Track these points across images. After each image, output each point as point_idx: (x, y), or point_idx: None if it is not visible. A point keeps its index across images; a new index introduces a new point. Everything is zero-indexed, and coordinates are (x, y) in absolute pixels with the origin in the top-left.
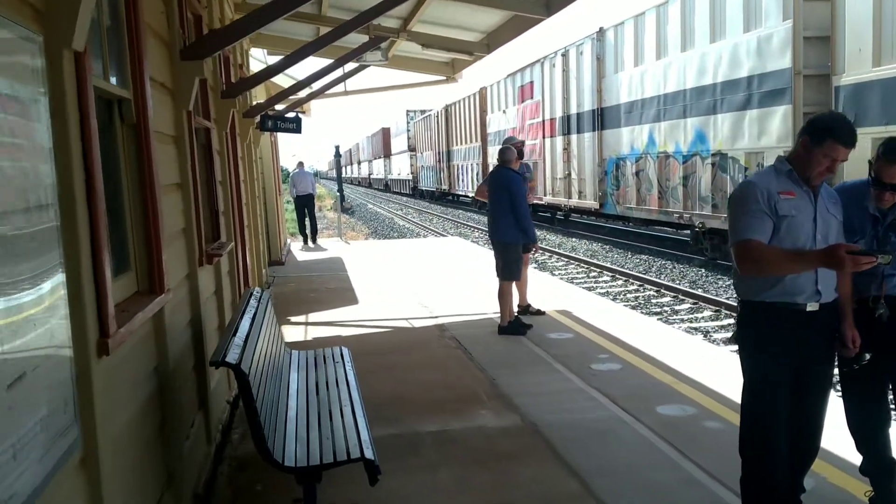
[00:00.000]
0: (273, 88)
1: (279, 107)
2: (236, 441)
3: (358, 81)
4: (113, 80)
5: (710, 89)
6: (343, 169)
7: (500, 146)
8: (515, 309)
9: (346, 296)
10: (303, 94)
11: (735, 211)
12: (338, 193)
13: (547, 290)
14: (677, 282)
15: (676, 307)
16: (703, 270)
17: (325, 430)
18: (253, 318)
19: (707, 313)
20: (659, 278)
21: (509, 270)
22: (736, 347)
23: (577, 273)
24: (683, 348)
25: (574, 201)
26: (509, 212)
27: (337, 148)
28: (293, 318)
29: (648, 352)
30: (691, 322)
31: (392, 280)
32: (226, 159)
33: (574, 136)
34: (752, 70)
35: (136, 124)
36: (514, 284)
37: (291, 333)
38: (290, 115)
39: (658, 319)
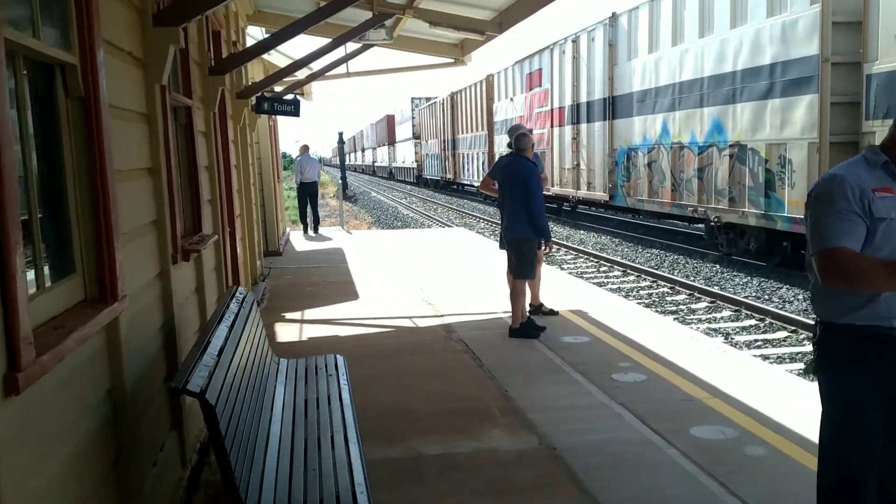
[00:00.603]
0: (270, 68)
1: (278, 89)
2: (216, 462)
3: (361, 63)
4: (48, 39)
5: (729, 77)
6: (346, 156)
7: (515, 133)
8: (527, 308)
9: (346, 290)
10: (302, 75)
11: (819, 212)
12: (340, 181)
13: (557, 285)
14: (692, 278)
15: (693, 306)
16: (718, 266)
17: (312, 463)
18: (231, 326)
19: (726, 313)
20: (672, 274)
21: (524, 269)
22: (798, 371)
23: (587, 267)
24: (710, 355)
25: (583, 192)
26: (524, 206)
27: (340, 135)
28: (288, 315)
29: (672, 359)
30: (710, 322)
31: (395, 273)
32: (213, 142)
33: (584, 126)
34: (776, 57)
35: (85, 97)
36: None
37: (284, 332)
38: (289, 97)
39: (674, 319)
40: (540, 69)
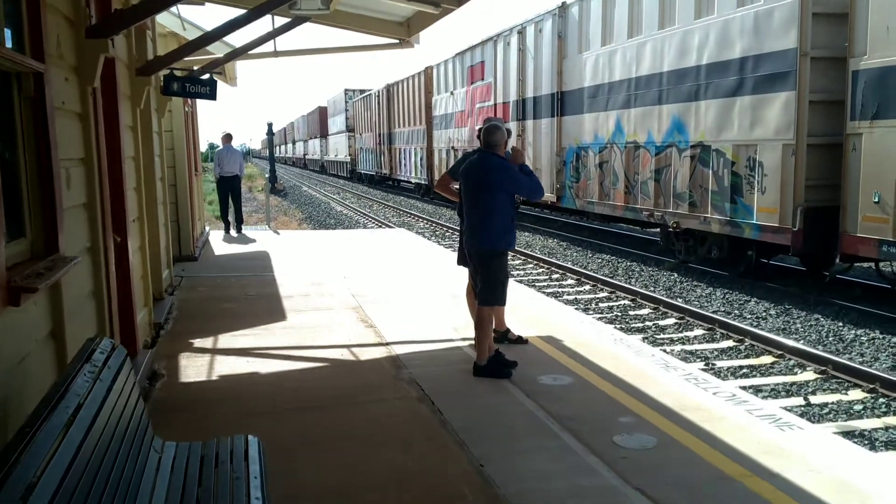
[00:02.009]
0: (180, 41)
1: (196, 68)
2: None
3: (293, 41)
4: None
5: (692, 72)
6: (277, 148)
7: (485, 125)
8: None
9: (271, 307)
10: (221, 52)
11: None
12: (269, 175)
13: (512, 297)
14: (652, 288)
15: (661, 322)
16: (677, 275)
17: None
18: (77, 410)
19: (699, 332)
20: (629, 283)
21: (494, 292)
22: None
23: (538, 274)
24: (721, 401)
25: None
26: (496, 212)
27: (269, 125)
28: (196, 342)
29: (673, 405)
30: (684, 343)
31: (329, 284)
32: (91, 127)
33: (530, 122)
34: (747, 51)
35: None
36: None
37: (188, 370)
38: (204, 76)
39: (644, 339)
40: (482, 62)
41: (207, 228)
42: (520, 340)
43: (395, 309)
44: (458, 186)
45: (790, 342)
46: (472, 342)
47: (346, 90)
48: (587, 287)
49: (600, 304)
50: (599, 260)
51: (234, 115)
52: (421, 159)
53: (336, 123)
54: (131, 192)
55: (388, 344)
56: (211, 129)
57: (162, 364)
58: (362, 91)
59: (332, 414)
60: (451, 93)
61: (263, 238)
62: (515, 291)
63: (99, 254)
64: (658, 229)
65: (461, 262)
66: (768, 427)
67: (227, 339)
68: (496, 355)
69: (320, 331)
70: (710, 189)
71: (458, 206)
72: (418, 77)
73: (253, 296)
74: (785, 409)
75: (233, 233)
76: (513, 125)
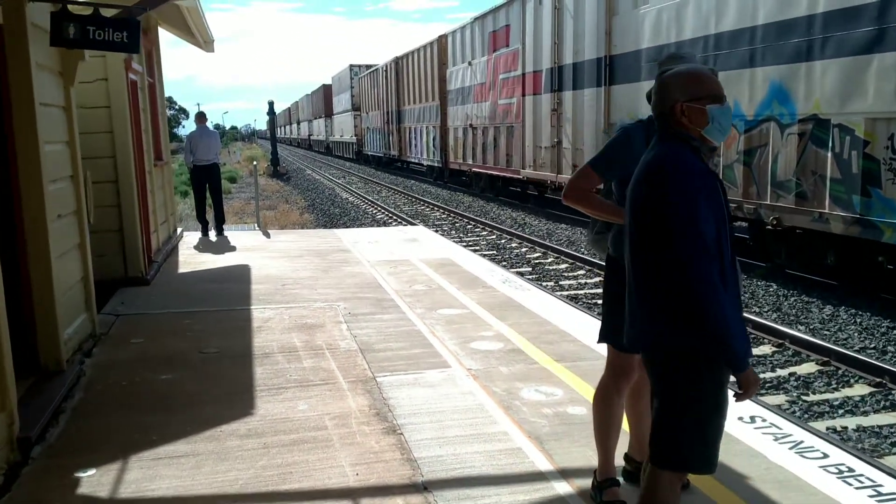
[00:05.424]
0: None
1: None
2: None
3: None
4: None
5: (801, 24)
6: (281, 129)
7: (668, 67)
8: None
9: (233, 382)
10: None
11: None
12: (271, 156)
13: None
14: (756, 309)
15: (798, 368)
16: (776, 286)
17: None
18: None
19: (811, 367)
20: None
21: (681, 438)
22: None
23: (595, 286)
24: None
25: (566, 177)
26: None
27: (271, 104)
28: (83, 482)
29: None
30: (805, 392)
31: (327, 328)
32: None
33: (568, 94)
34: None
35: None
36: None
37: None
38: (116, 17)
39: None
40: (507, 26)
41: (180, 230)
42: (684, 487)
43: (429, 388)
44: (600, 187)
45: None
46: (592, 487)
47: (350, 66)
48: None
49: None
50: None
51: (238, 96)
52: (434, 139)
53: (341, 102)
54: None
55: (427, 487)
56: (214, 114)
57: None
58: (368, 66)
59: None
60: (470, 63)
61: (249, 243)
62: (572, 319)
63: None
64: (746, 224)
65: (607, 336)
66: None
67: (139, 473)
68: None
69: (306, 448)
70: (828, 177)
71: (597, 229)
72: (430, 47)
73: (212, 354)
74: None
75: (212, 235)
76: (545, 98)
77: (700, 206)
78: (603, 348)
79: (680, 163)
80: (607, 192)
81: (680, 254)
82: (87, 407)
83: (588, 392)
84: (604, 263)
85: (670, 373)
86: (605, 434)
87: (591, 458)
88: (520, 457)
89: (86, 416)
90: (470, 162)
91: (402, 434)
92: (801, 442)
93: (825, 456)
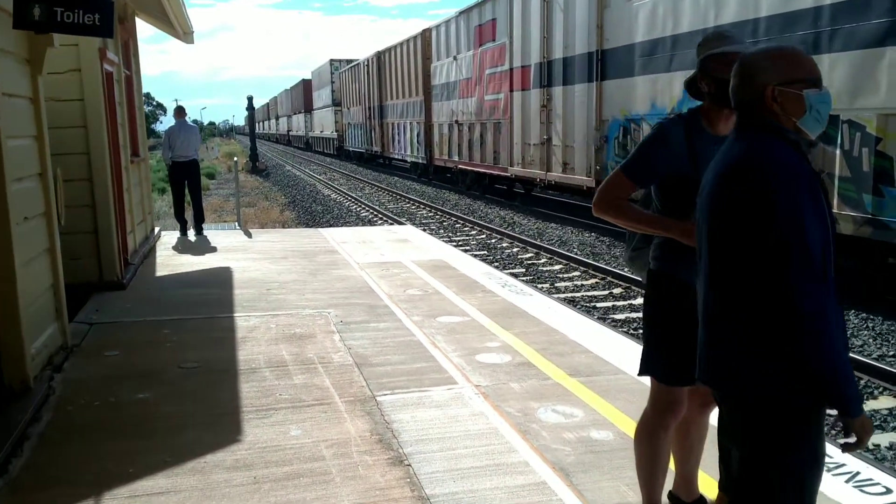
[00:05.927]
0: None
1: None
2: None
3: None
4: None
5: (807, 16)
6: (260, 124)
7: (712, 44)
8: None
9: (217, 402)
10: None
11: None
12: (250, 152)
13: (575, 339)
14: None
15: None
16: None
17: None
18: None
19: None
20: None
21: None
22: None
23: (592, 288)
24: None
25: (555, 175)
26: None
27: (250, 99)
28: None
29: None
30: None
31: (318, 338)
32: None
33: (558, 90)
34: None
35: None
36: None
37: None
38: None
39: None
40: (493, 20)
41: (157, 230)
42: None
43: (436, 408)
44: (634, 195)
45: None
46: None
47: (331, 60)
48: None
49: None
50: None
51: (216, 92)
52: (418, 135)
53: (321, 97)
54: None
55: None
56: (192, 110)
57: None
58: (349, 61)
59: None
60: (455, 58)
61: (230, 243)
62: (571, 323)
63: None
64: None
65: (653, 369)
66: None
67: None
68: None
69: (303, 484)
70: (836, 175)
71: (634, 242)
72: (414, 42)
73: (192, 369)
74: None
75: (191, 235)
76: (534, 93)
77: (808, 216)
78: (621, 361)
79: (781, 160)
80: (646, 199)
81: (787, 276)
82: (56, 432)
83: (610, 412)
84: (625, 275)
85: (762, 419)
86: (650, 474)
87: (625, 494)
88: (546, 493)
89: (54, 443)
90: (456, 158)
91: (409, 465)
92: (830, 457)
93: (857, 474)
